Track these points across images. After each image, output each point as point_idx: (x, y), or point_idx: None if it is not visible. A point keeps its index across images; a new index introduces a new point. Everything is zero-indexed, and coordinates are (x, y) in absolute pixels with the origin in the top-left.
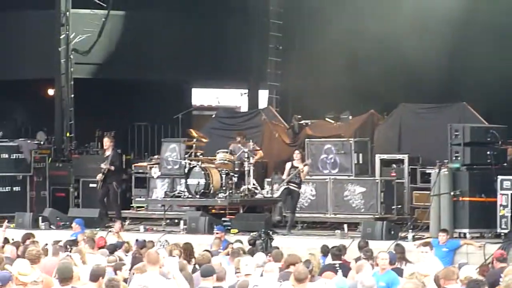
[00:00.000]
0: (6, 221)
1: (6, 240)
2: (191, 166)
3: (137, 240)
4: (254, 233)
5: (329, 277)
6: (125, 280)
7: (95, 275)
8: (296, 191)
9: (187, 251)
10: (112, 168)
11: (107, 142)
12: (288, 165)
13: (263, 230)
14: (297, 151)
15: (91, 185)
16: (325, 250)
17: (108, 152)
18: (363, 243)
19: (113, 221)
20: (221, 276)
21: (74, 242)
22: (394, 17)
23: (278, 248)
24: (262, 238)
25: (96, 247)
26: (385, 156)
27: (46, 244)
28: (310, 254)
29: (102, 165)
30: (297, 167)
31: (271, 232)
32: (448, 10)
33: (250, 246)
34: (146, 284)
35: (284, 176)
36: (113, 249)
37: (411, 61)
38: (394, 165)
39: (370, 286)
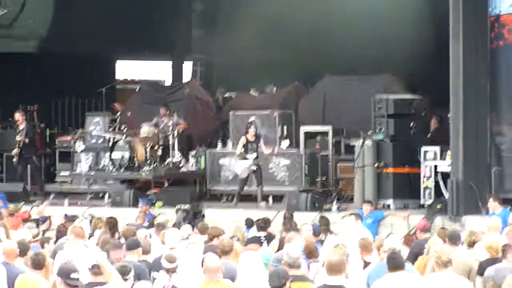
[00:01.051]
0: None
1: None
2: (115, 139)
3: (66, 215)
4: (183, 206)
5: (254, 249)
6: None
7: (23, 250)
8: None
9: (111, 225)
10: (27, 140)
11: (19, 116)
12: (242, 140)
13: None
14: (252, 125)
15: (14, 159)
16: (249, 223)
17: (22, 126)
18: (288, 215)
19: (37, 195)
20: (146, 249)
21: None
22: None
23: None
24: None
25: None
26: (310, 129)
27: None
28: (235, 228)
29: (17, 138)
30: (252, 142)
31: (200, 207)
32: None
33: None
34: (72, 257)
35: (238, 151)
36: (37, 223)
37: (337, 32)
38: (318, 137)
39: (296, 257)
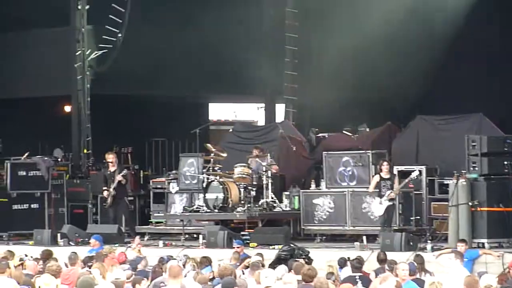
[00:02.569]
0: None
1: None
2: (209, 180)
3: (162, 257)
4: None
5: None
6: None
7: None
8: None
9: (203, 264)
10: (124, 181)
11: (112, 158)
12: (376, 178)
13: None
14: (385, 162)
15: (104, 204)
16: (342, 262)
17: (114, 168)
18: (382, 255)
19: (132, 237)
20: None
21: (92, 258)
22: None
23: (298, 261)
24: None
25: (117, 263)
26: (403, 168)
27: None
28: (329, 266)
29: (118, 177)
30: (387, 179)
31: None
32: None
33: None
34: None
35: (371, 189)
36: (134, 264)
37: (426, 73)
38: (414, 178)
39: None
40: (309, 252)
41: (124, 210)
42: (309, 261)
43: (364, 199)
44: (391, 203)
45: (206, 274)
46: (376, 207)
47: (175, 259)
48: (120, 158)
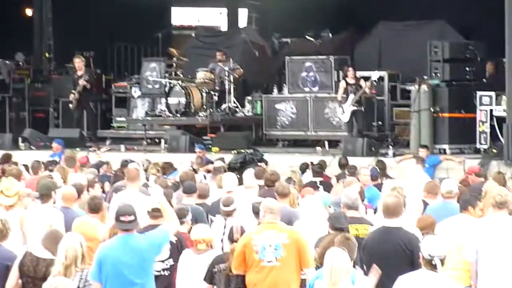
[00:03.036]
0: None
1: None
2: (172, 85)
3: (123, 160)
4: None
5: (310, 193)
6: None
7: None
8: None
9: (166, 170)
10: (88, 86)
11: (79, 62)
12: (342, 84)
13: (259, 152)
14: (349, 68)
15: (70, 105)
16: (303, 167)
17: (81, 72)
18: (343, 160)
19: (92, 141)
20: (204, 193)
21: (54, 162)
22: None
23: (260, 165)
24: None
25: (78, 166)
26: (365, 73)
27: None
28: (291, 171)
29: (80, 82)
30: (352, 84)
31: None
32: None
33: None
34: (126, 200)
35: (339, 96)
36: (97, 168)
37: None
38: (374, 82)
39: (355, 199)
40: (262, 154)
41: (88, 113)
42: (265, 163)
43: (327, 105)
44: (356, 107)
45: (172, 179)
46: (341, 114)
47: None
48: (86, 63)
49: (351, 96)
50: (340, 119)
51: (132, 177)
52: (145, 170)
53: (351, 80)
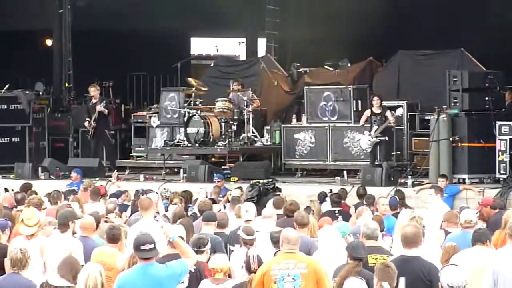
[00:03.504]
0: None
1: (5, 190)
2: (190, 114)
3: (137, 190)
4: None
5: (328, 223)
6: None
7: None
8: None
9: (186, 199)
10: (105, 111)
11: (93, 91)
12: (367, 112)
13: (273, 180)
14: (376, 97)
15: (87, 135)
16: (322, 197)
17: (95, 100)
18: (362, 190)
19: (112, 171)
20: (223, 223)
21: (73, 192)
22: None
23: (279, 195)
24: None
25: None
26: (384, 103)
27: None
28: (310, 201)
29: (97, 108)
30: (377, 114)
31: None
32: None
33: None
34: (142, 230)
35: (361, 123)
36: (116, 197)
37: (406, 7)
38: (393, 112)
39: (374, 229)
40: (274, 183)
41: (105, 142)
42: (279, 191)
43: (345, 134)
44: (382, 138)
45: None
46: (364, 141)
47: (151, 192)
48: (102, 92)
49: (375, 127)
50: (361, 147)
51: (145, 207)
52: (166, 199)
53: (376, 110)
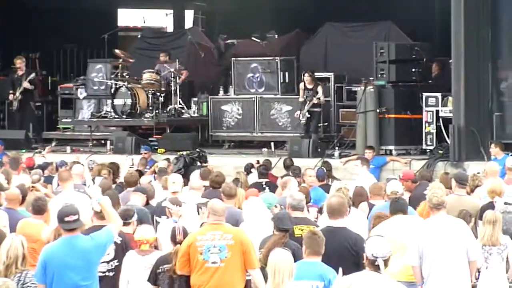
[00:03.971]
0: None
1: None
2: (117, 86)
3: (58, 162)
4: (184, 152)
5: (255, 194)
6: None
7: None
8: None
9: (114, 171)
10: (31, 87)
11: (19, 63)
12: (301, 86)
13: (198, 150)
14: (307, 73)
15: (14, 105)
16: (249, 168)
17: (21, 72)
18: (288, 161)
19: (38, 142)
20: (150, 195)
21: None
22: None
23: (206, 166)
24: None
25: (24, 168)
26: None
27: None
28: (237, 173)
29: (23, 84)
30: (310, 89)
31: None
32: None
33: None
34: (65, 201)
35: (300, 99)
36: (41, 169)
37: None
38: (320, 83)
39: (300, 200)
40: (198, 151)
41: (31, 115)
42: (205, 160)
43: (273, 106)
44: (315, 110)
45: None
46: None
47: (77, 163)
48: (28, 64)
49: (307, 104)
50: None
51: (63, 179)
52: (92, 171)
53: (309, 85)
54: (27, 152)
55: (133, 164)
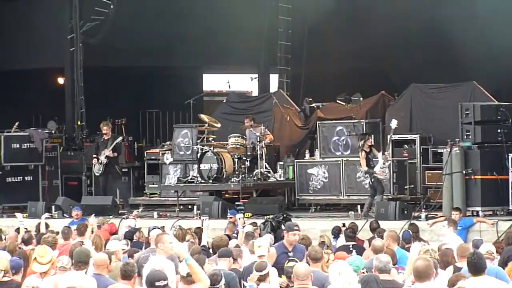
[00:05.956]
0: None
1: (18, 230)
2: (204, 151)
3: (150, 227)
4: (269, 216)
5: (342, 258)
6: None
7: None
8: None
9: (199, 235)
10: (115, 154)
11: (106, 129)
12: (363, 155)
13: (283, 213)
14: (370, 138)
15: (97, 169)
16: (336, 232)
17: (107, 137)
18: (375, 224)
19: (125, 209)
20: (237, 258)
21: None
22: None
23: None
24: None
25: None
26: (397, 137)
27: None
28: (322, 236)
29: (106, 152)
30: (368, 152)
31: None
32: None
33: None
34: (159, 266)
35: (364, 166)
36: (130, 235)
37: (420, 42)
38: (406, 146)
39: (386, 262)
40: (283, 214)
41: (116, 178)
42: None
43: (358, 168)
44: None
45: None
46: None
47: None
48: (114, 130)
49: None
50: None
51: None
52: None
53: (367, 149)
54: (113, 218)
55: (208, 226)
